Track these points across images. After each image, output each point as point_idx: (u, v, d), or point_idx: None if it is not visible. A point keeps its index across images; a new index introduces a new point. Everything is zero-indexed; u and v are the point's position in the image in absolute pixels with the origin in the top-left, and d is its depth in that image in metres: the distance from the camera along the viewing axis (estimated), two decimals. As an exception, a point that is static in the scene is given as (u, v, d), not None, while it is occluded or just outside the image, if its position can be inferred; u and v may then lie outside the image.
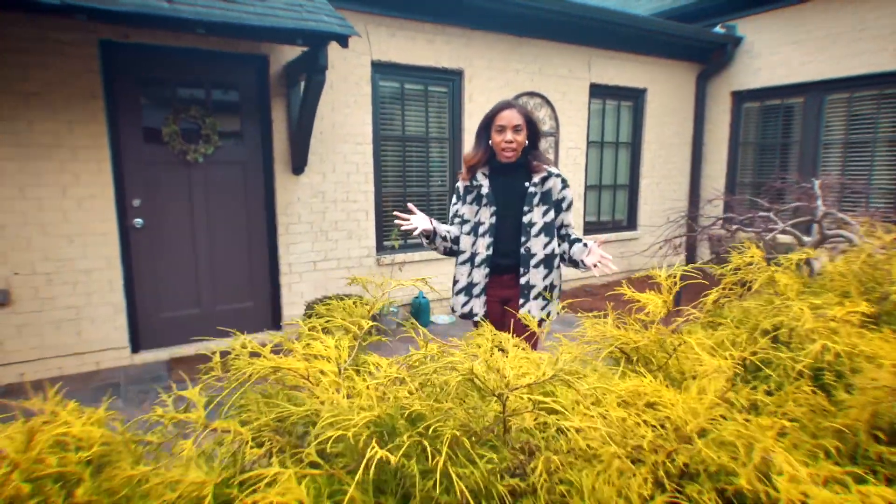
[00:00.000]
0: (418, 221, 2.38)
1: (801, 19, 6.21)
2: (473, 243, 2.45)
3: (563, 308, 1.52)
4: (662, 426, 0.89)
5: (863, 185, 5.75)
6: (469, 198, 2.47)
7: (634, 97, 6.90)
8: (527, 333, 1.18)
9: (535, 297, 2.38)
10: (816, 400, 1.16)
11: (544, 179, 2.40)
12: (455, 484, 0.70)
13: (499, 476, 0.78)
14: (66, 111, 3.80)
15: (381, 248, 5.20)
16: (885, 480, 0.96)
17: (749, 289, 1.66)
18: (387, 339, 1.29)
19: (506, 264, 2.43)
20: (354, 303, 1.23)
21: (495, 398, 0.81)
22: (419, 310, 5.19)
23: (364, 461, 0.67)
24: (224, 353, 0.99)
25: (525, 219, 2.39)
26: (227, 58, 4.30)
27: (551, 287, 2.43)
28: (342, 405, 0.77)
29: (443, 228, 2.50)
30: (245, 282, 4.65)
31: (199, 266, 4.45)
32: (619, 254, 6.88)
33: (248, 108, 4.48)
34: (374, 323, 1.16)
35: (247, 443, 0.80)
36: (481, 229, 2.42)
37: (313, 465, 0.73)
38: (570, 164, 6.32)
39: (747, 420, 0.94)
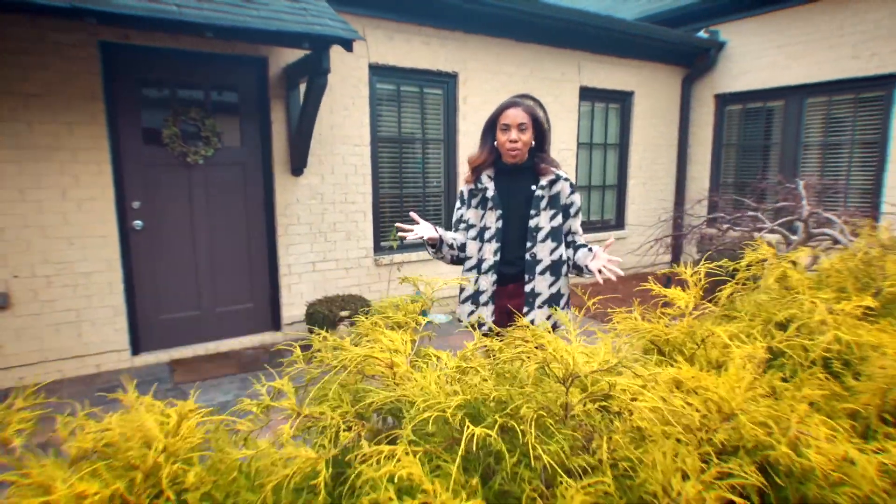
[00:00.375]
0: (422, 230, 2.25)
1: (782, 25, 6.43)
2: (480, 249, 2.33)
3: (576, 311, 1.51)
4: (707, 408, 0.99)
5: (842, 185, 5.99)
6: (474, 201, 2.36)
7: (622, 100, 7.06)
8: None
9: (541, 306, 2.28)
10: (829, 385, 1.26)
11: (552, 182, 2.29)
12: (540, 457, 0.79)
13: (569, 453, 0.86)
14: (67, 113, 3.79)
15: (378, 249, 5.26)
16: (896, 458, 1.07)
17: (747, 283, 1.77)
18: (433, 335, 1.37)
19: (511, 272, 2.31)
20: (412, 300, 1.30)
21: (564, 382, 0.89)
22: (416, 309, 5.24)
23: (464, 437, 0.75)
24: (277, 353, 1.05)
25: (531, 223, 2.28)
26: (226, 60, 4.32)
27: (558, 295, 2.31)
28: (432, 390, 0.85)
29: (448, 236, 2.37)
30: (245, 283, 4.67)
31: (199, 268, 4.46)
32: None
33: (248, 110, 4.50)
34: (428, 319, 1.24)
35: (339, 426, 0.88)
36: (487, 234, 2.31)
37: (411, 444, 0.81)
38: (561, 164, 6.43)
39: (775, 401, 1.04)
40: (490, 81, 5.70)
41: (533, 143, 2.30)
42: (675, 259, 7.34)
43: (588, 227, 7.03)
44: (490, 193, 2.30)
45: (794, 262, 1.75)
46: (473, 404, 0.85)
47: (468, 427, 0.77)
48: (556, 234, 2.30)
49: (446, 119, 5.57)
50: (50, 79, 3.72)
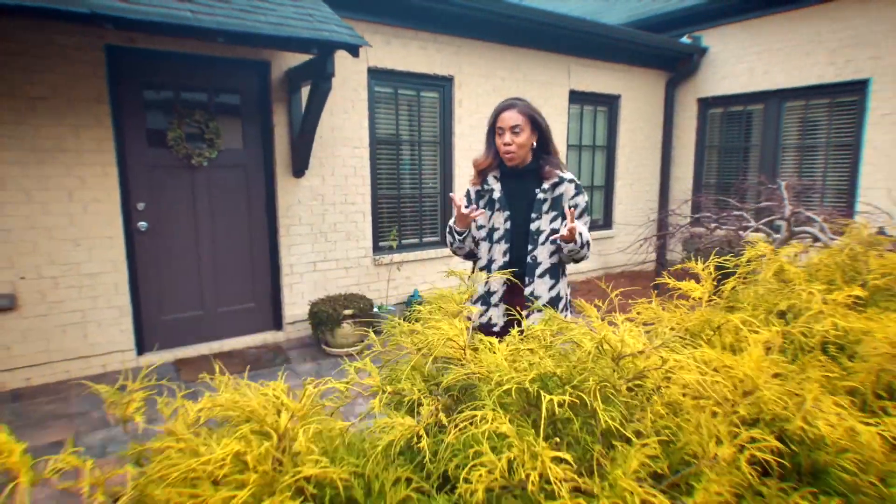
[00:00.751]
0: (478, 213, 2.24)
1: (762, 32, 6.70)
2: (489, 250, 2.34)
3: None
4: (732, 384, 1.13)
5: (819, 185, 6.27)
6: (481, 203, 2.36)
7: (609, 103, 7.27)
8: None
9: (540, 309, 2.27)
10: (830, 366, 1.43)
11: (555, 185, 2.28)
12: (602, 422, 0.92)
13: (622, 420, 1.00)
14: (72, 115, 3.83)
15: (377, 249, 5.36)
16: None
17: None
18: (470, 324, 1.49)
19: (520, 273, 2.30)
20: (458, 292, 1.42)
21: (616, 360, 1.03)
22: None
23: (543, 403, 0.88)
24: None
25: (532, 226, 2.28)
26: (228, 63, 4.39)
27: (557, 298, 2.32)
28: (505, 367, 0.98)
29: (473, 227, 2.36)
30: (247, 283, 4.74)
31: (202, 268, 4.52)
32: (596, 251, 7.24)
33: (250, 113, 4.57)
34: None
35: (421, 400, 1.00)
36: (496, 235, 2.32)
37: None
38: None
39: (783, 381, 1.20)
40: (483, 85, 5.84)
41: (534, 143, 2.28)
42: (661, 258, 7.58)
43: (577, 226, 7.21)
44: (497, 195, 2.31)
45: (789, 257, 1.92)
46: (542, 379, 0.99)
47: (544, 396, 0.90)
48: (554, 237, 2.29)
49: (442, 121, 5.70)
50: (56, 82, 3.75)
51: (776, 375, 1.44)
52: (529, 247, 2.30)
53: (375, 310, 4.91)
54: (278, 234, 4.76)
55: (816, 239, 4.12)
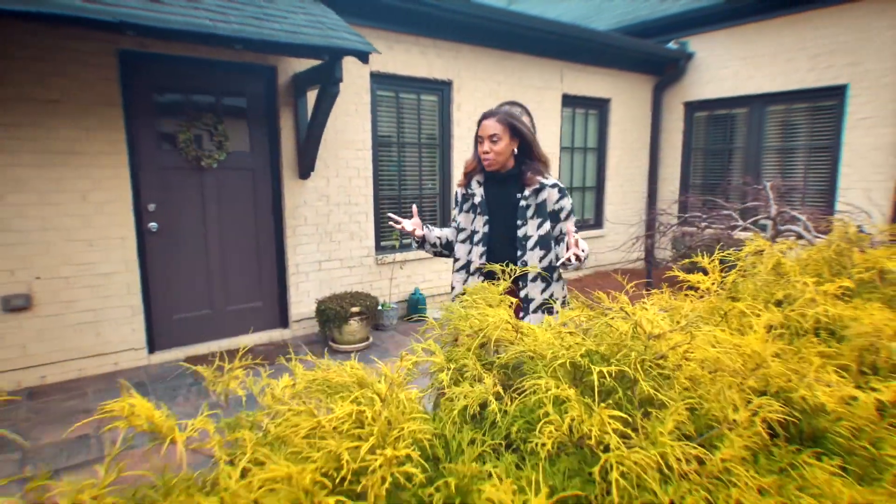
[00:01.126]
0: (409, 224, 2.45)
1: (746, 38, 6.97)
2: (469, 251, 2.45)
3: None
4: (742, 360, 1.31)
5: (801, 186, 6.55)
6: (465, 206, 2.48)
7: (600, 106, 7.50)
8: None
9: (535, 311, 2.36)
10: (822, 347, 1.61)
11: (537, 191, 2.35)
12: (644, 391, 1.09)
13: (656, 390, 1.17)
14: (86, 118, 3.91)
15: (379, 249, 5.50)
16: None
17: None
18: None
19: (497, 276, 2.43)
20: (494, 286, 1.57)
21: (650, 339, 1.20)
22: (415, 306, 5.52)
23: (595, 373, 1.05)
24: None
25: (520, 233, 2.37)
26: (236, 67, 4.49)
27: (552, 299, 2.39)
28: (556, 345, 1.14)
29: (434, 234, 2.56)
30: (254, 282, 4.85)
31: (211, 268, 4.62)
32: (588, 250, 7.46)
33: (257, 116, 4.69)
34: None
35: (481, 374, 1.16)
36: (476, 238, 2.43)
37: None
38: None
39: (782, 360, 1.37)
40: (481, 89, 6.01)
41: (515, 150, 2.37)
42: (650, 256, 7.82)
43: (570, 226, 7.42)
44: (478, 199, 2.42)
45: (783, 252, 2.12)
46: (589, 354, 1.15)
47: (594, 368, 1.07)
48: (544, 242, 2.37)
49: (441, 124, 5.86)
50: (70, 86, 3.84)
51: (776, 355, 1.62)
52: (519, 252, 2.39)
53: (380, 307, 5.05)
54: (284, 234, 4.88)
55: (800, 237, 4.36)
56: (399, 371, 1.02)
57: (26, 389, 3.85)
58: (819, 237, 3.95)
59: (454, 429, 1.06)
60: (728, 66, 7.23)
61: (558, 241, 2.41)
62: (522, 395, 1.07)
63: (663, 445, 1.03)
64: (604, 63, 7.18)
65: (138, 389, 3.92)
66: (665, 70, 7.83)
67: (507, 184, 2.40)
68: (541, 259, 2.37)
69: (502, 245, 2.41)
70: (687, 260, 2.04)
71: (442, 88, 5.77)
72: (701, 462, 1.06)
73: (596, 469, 0.95)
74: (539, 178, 2.36)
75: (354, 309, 4.54)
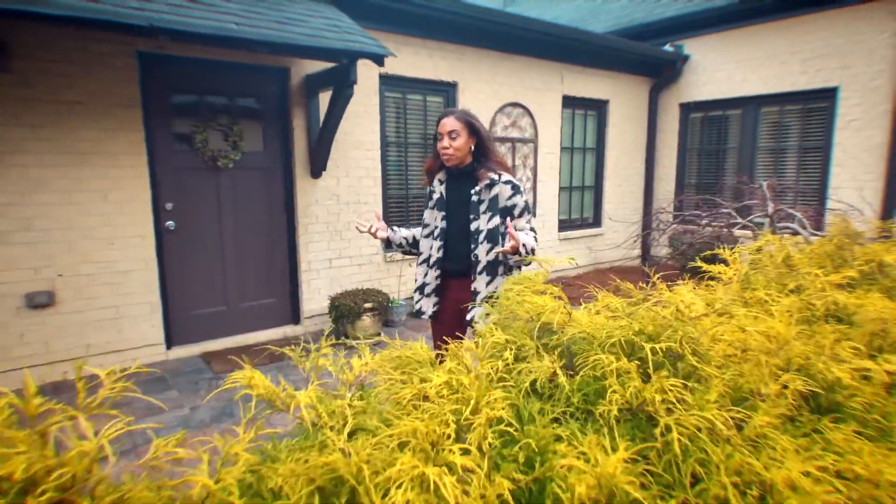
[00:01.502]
0: (374, 227, 2.58)
1: (740, 42, 7.18)
2: (430, 246, 2.58)
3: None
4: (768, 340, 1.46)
5: (795, 185, 6.77)
6: (430, 203, 2.61)
7: (599, 107, 7.67)
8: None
9: (480, 304, 2.39)
10: (835, 330, 1.76)
11: (489, 186, 2.45)
12: (689, 364, 1.23)
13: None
14: (107, 119, 3.99)
15: (387, 247, 5.61)
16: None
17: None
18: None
19: (456, 269, 2.54)
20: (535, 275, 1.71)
21: (688, 321, 1.34)
22: (423, 302, 5.65)
23: (647, 349, 1.19)
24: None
25: (472, 226, 2.47)
26: (250, 69, 4.59)
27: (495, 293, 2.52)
28: (609, 326, 1.28)
29: (400, 235, 2.70)
30: (267, 280, 4.95)
31: (226, 266, 4.71)
32: (586, 248, 7.64)
33: (271, 117, 4.79)
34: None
35: (538, 350, 1.30)
36: (435, 233, 2.56)
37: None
38: (546, 167, 6.98)
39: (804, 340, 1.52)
40: (484, 90, 6.15)
41: (472, 147, 2.49)
42: (646, 253, 8.02)
43: (569, 224, 7.59)
44: (436, 196, 2.57)
45: (789, 248, 2.27)
46: (639, 334, 1.29)
47: (647, 345, 1.21)
48: (492, 236, 2.46)
49: (446, 125, 5.98)
50: (92, 87, 3.92)
51: (795, 338, 1.76)
52: (472, 246, 2.49)
53: (390, 304, 5.17)
54: (297, 232, 4.99)
55: (796, 233, 4.55)
56: (484, 347, 1.15)
57: (50, 384, 3.93)
58: (815, 234, 4.14)
59: (525, 400, 1.19)
60: (723, 68, 7.44)
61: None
62: (580, 369, 1.21)
63: (710, 411, 1.17)
64: (602, 65, 7.35)
65: (159, 384, 4.01)
66: (661, 72, 8.02)
67: (463, 181, 2.52)
68: (487, 252, 2.47)
69: (458, 239, 2.52)
70: (689, 262, 2.19)
71: (447, 90, 5.90)
72: (739, 428, 1.20)
73: (658, 430, 1.09)
74: (491, 173, 2.46)
75: (367, 305, 4.66)
